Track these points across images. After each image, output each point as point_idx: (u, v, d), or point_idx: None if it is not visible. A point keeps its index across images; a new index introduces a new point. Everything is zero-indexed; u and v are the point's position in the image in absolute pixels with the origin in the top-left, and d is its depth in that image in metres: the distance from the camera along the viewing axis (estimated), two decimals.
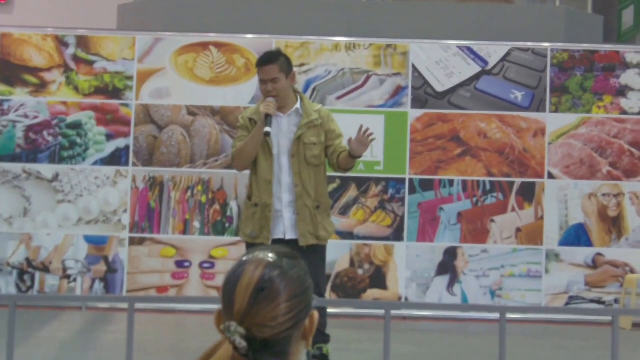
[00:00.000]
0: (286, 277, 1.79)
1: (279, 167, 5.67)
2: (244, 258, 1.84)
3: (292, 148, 5.65)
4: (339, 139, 5.77)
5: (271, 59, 5.67)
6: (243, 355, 1.73)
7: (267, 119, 5.49)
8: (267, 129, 5.48)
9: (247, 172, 5.84)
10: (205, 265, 9.01)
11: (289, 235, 5.63)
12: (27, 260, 9.01)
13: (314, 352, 5.64)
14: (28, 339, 7.19)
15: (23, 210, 9.04)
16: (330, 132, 5.74)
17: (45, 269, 9.00)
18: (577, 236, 9.16)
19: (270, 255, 1.83)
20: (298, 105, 5.72)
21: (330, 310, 5.72)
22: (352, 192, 9.05)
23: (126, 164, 9.09)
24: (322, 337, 5.65)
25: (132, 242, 9.03)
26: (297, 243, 5.57)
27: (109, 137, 9.12)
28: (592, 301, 9.08)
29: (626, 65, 9.35)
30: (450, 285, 9.04)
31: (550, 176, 9.18)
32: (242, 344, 1.72)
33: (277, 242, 5.59)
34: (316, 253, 5.66)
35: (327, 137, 5.73)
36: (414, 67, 9.26)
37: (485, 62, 9.30)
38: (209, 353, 1.77)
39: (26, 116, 9.11)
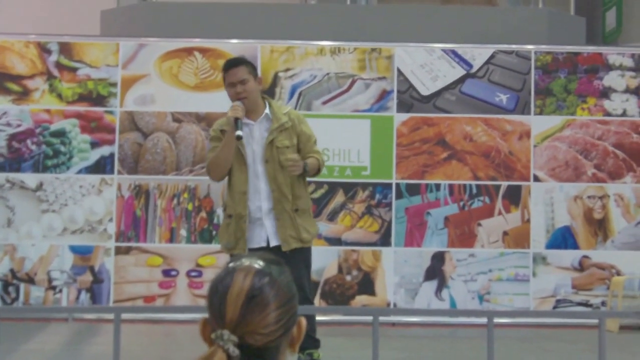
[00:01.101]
0: (276, 285, 1.80)
1: (255, 175, 5.67)
2: (231, 265, 1.84)
3: (265, 153, 5.65)
4: (309, 141, 5.77)
5: (238, 62, 5.74)
6: None
7: (237, 122, 5.47)
8: (239, 132, 5.46)
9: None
10: (193, 273, 8.96)
11: (273, 242, 5.62)
12: (12, 271, 8.94)
13: (304, 358, 5.62)
14: (13, 352, 7.13)
15: (7, 220, 8.97)
16: (301, 134, 5.74)
17: (30, 280, 8.93)
18: (563, 239, 9.16)
19: (258, 262, 1.83)
20: (267, 110, 5.73)
21: (318, 317, 5.69)
22: (339, 198, 9.03)
23: (111, 172, 9.03)
24: (312, 342, 5.65)
25: (118, 251, 8.98)
26: (280, 249, 5.56)
27: (94, 145, 9.07)
28: (579, 304, 9.09)
29: (609, 67, 9.37)
30: (439, 290, 9.02)
31: (536, 179, 9.18)
32: (235, 352, 1.72)
33: (259, 250, 5.57)
34: (301, 256, 5.67)
35: (299, 139, 5.73)
36: (399, 70, 9.24)
37: (470, 65, 9.30)
38: None
39: (9, 124, 9.04)
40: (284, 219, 5.61)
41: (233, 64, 5.71)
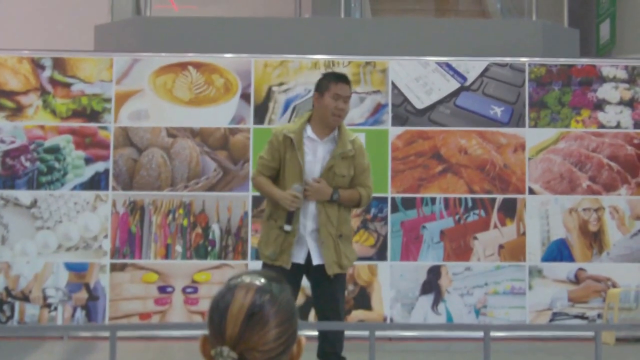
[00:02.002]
0: (276, 302, 1.80)
1: None
2: (232, 282, 1.84)
3: (322, 176, 5.58)
4: (363, 173, 5.71)
5: (349, 80, 5.71)
6: None
7: (289, 215, 5.47)
8: (287, 228, 5.46)
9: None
10: (189, 290, 8.93)
11: (316, 261, 5.56)
12: (6, 289, 8.90)
13: None
14: None
15: (1, 238, 8.94)
16: (358, 166, 5.69)
17: (24, 298, 8.89)
18: (559, 252, 9.15)
19: (259, 279, 1.83)
20: (335, 132, 5.66)
21: (313, 333, 5.66)
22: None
23: (106, 188, 9.01)
24: (338, 359, 5.61)
25: (114, 268, 8.94)
26: (322, 269, 5.54)
27: (88, 161, 9.04)
28: (575, 317, 9.07)
29: (603, 79, 9.39)
30: (435, 304, 9.01)
31: (531, 192, 9.18)
32: None
33: (296, 266, 5.55)
34: (338, 282, 5.63)
35: (355, 170, 5.68)
36: (393, 84, 9.25)
37: (464, 78, 9.31)
38: None
39: (2, 141, 9.02)
40: (329, 243, 5.53)
41: (345, 79, 5.68)
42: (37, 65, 9.16)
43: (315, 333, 5.68)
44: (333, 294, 5.60)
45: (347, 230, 5.68)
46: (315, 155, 5.61)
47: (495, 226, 9.14)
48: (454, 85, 9.31)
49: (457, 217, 9.14)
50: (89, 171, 9.03)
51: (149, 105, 9.17)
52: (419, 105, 9.26)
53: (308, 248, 5.57)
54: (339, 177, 5.58)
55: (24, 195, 8.97)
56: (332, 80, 5.65)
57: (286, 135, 5.62)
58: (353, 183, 5.67)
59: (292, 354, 1.83)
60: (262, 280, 1.83)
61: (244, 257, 8.91)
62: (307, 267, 5.58)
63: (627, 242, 9.22)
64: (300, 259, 5.58)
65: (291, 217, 5.46)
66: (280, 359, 1.78)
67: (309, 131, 5.65)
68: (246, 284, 1.81)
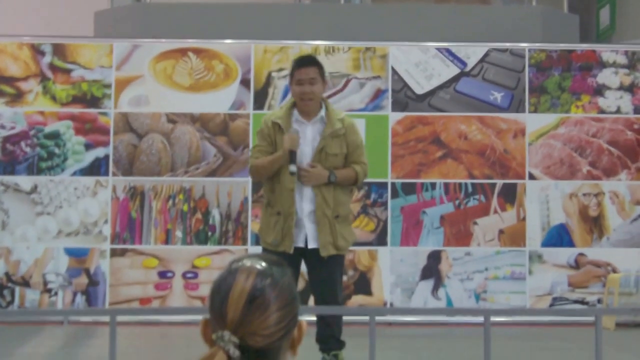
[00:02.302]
0: (277, 286, 1.79)
1: None
2: (233, 266, 1.83)
3: (314, 157, 5.59)
4: (356, 151, 5.71)
5: (312, 61, 5.69)
6: None
7: (292, 155, 5.45)
8: (293, 168, 5.44)
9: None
10: (189, 275, 8.94)
11: (311, 245, 5.58)
12: (7, 274, 8.91)
13: (329, 359, 5.61)
14: (9, 356, 7.11)
15: (1, 223, 8.94)
16: (350, 143, 5.68)
17: (25, 283, 8.90)
18: (559, 237, 9.16)
19: (260, 263, 1.83)
20: (322, 112, 5.67)
21: (314, 318, 5.67)
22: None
23: (106, 173, 9.01)
24: (337, 343, 5.64)
25: (114, 253, 8.95)
26: (318, 252, 5.55)
27: (88, 146, 9.04)
28: (575, 302, 9.09)
29: (603, 65, 9.38)
30: (435, 289, 9.02)
31: (531, 177, 9.18)
32: (235, 353, 1.72)
33: (296, 250, 5.55)
34: (335, 263, 5.64)
35: (348, 147, 5.68)
36: (393, 69, 9.24)
37: (464, 64, 9.30)
38: None
39: (3, 127, 9.02)
40: (324, 224, 5.55)
41: (306, 61, 5.67)
42: (37, 51, 9.15)
43: (314, 318, 5.70)
44: (329, 276, 5.60)
45: (344, 211, 5.68)
46: (305, 137, 5.63)
47: (495, 211, 9.14)
48: (454, 70, 9.30)
49: (457, 202, 9.14)
50: (89, 157, 9.03)
51: (149, 91, 9.16)
52: (419, 90, 9.25)
53: (306, 231, 5.59)
54: (332, 156, 5.60)
55: (24, 181, 8.97)
56: (294, 68, 5.68)
57: (274, 121, 5.65)
58: (347, 161, 5.69)
59: (293, 337, 1.82)
60: (263, 264, 1.83)
61: (244, 242, 8.92)
62: (305, 251, 5.59)
63: (627, 227, 9.23)
64: (299, 242, 5.59)
65: (293, 156, 5.44)
66: (281, 343, 1.78)
67: (296, 114, 5.67)
68: (247, 268, 1.81)
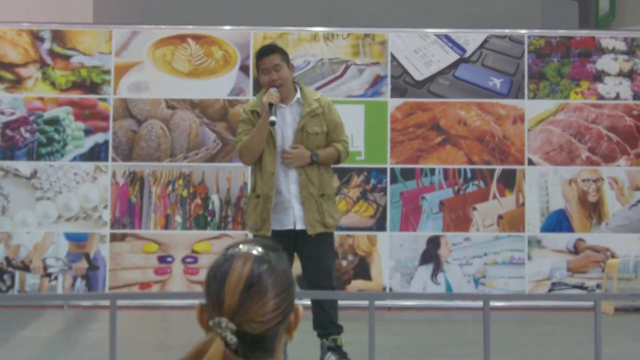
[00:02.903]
0: (274, 272, 1.78)
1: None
2: (229, 252, 1.82)
3: (296, 138, 5.66)
4: (336, 129, 5.78)
5: (272, 49, 5.79)
6: (234, 351, 1.72)
7: (271, 108, 5.50)
8: (273, 118, 5.50)
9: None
10: (188, 260, 8.97)
11: (299, 226, 5.62)
12: (7, 259, 8.93)
13: (328, 344, 5.63)
14: (9, 339, 7.14)
15: (1, 208, 8.96)
16: (330, 121, 5.74)
17: (25, 267, 8.93)
18: (558, 222, 9.18)
19: (257, 248, 1.81)
20: (298, 95, 5.75)
21: (308, 302, 5.69)
22: (334, 183, 9.01)
23: (105, 159, 9.02)
24: (335, 327, 5.65)
25: (114, 238, 8.98)
26: (306, 233, 5.58)
27: (88, 132, 9.05)
28: (574, 287, 9.11)
29: (602, 51, 9.38)
30: (434, 274, 9.04)
31: (530, 163, 9.20)
32: (233, 339, 1.71)
33: (287, 232, 5.58)
34: (325, 241, 5.69)
35: (327, 126, 5.74)
36: (392, 56, 9.24)
37: (463, 50, 9.30)
38: (199, 350, 1.72)
39: (2, 113, 9.03)
40: (310, 203, 5.62)
41: (267, 50, 5.75)
42: (36, 37, 9.15)
43: (308, 302, 5.72)
44: (320, 254, 5.63)
45: (329, 190, 5.77)
46: (285, 120, 5.70)
47: (495, 197, 9.16)
48: (453, 57, 9.30)
49: (456, 187, 9.16)
50: (89, 142, 9.04)
51: (148, 77, 9.16)
52: (418, 76, 9.25)
53: (294, 213, 5.63)
54: (313, 135, 5.67)
55: (24, 166, 8.99)
56: (257, 59, 5.75)
57: (252, 110, 5.72)
58: (328, 140, 5.75)
59: (290, 322, 1.82)
60: (260, 249, 1.81)
61: (244, 227, 8.93)
62: (295, 232, 5.62)
63: (626, 212, 9.25)
64: (288, 224, 5.63)
65: (272, 109, 5.50)
66: (278, 329, 1.77)
67: None
68: (244, 254, 1.79)
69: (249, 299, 1.73)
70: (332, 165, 5.87)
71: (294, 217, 5.64)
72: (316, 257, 5.62)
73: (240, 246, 1.83)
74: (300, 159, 5.61)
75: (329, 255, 5.74)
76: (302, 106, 5.71)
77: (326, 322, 5.64)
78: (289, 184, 5.65)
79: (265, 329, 1.74)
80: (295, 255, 5.68)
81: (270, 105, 5.51)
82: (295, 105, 5.73)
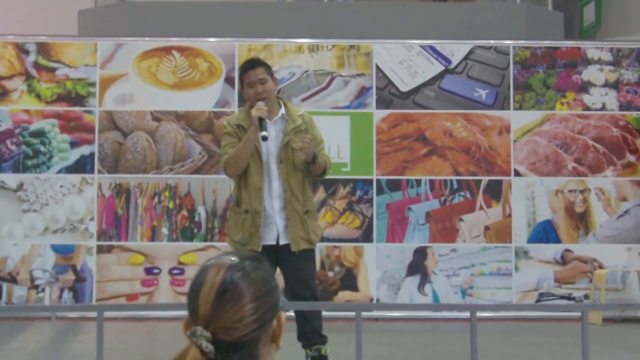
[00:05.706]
0: (249, 279, 1.78)
1: (269, 173, 5.66)
2: (206, 264, 1.83)
3: (280, 154, 5.65)
4: (319, 145, 5.78)
5: (257, 62, 5.77)
6: (211, 359, 1.71)
7: (261, 123, 5.48)
8: (264, 133, 5.47)
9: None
10: (175, 271, 8.95)
11: (282, 241, 5.62)
12: None
13: (312, 354, 5.62)
14: None
15: None
16: (313, 138, 5.73)
17: (12, 279, 8.90)
18: (545, 233, 9.19)
19: (232, 258, 1.82)
20: (283, 110, 5.74)
21: (292, 314, 5.69)
22: (320, 195, 9.02)
23: (91, 171, 9.00)
24: (319, 337, 5.65)
25: (100, 250, 8.95)
26: (289, 248, 5.58)
27: (73, 144, 9.04)
28: (562, 297, 9.12)
29: (587, 62, 9.41)
30: (421, 285, 9.04)
31: (517, 173, 9.21)
32: (208, 347, 1.70)
33: (269, 248, 5.57)
34: (308, 257, 5.70)
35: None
36: (377, 67, 9.25)
37: (449, 61, 9.32)
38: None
39: None
40: (295, 220, 5.62)
41: (252, 64, 5.74)
42: (21, 50, 9.13)
43: (292, 314, 5.71)
44: (303, 270, 5.64)
45: (312, 207, 5.79)
46: (270, 135, 5.66)
47: (481, 208, 9.16)
48: (439, 68, 9.32)
49: (442, 198, 9.16)
50: (75, 154, 9.02)
51: (133, 89, 9.16)
52: (404, 88, 9.27)
53: (277, 228, 5.63)
54: (297, 151, 5.65)
55: (10, 179, 8.96)
56: (241, 73, 5.74)
57: (237, 124, 5.71)
58: None
59: (273, 330, 1.81)
60: (234, 258, 1.82)
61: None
62: (277, 248, 5.62)
63: (613, 223, 9.26)
64: (271, 240, 5.63)
65: (261, 123, 5.48)
66: (258, 336, 1.76)
67: None
68: (218, 264, 1.80)
69: (222, 306, 1.73)
70: (316, 178, 5.88)
71: (277, 232, 5.64)
72: (297, 270, 5.63)
73: (218, 258, 1.84)
74: (311, 150, 5.61)
75: (311, 267, 5.75)
76: (287, 122, 5.70)
77: (310, 333, 5.63)
78: (273, 199, 5.65)
79: (242, 335, 1.73)
80: (278, 269, 5.67)
81: (260, 119, 5.50)
82: (279, 121, 5.72)
